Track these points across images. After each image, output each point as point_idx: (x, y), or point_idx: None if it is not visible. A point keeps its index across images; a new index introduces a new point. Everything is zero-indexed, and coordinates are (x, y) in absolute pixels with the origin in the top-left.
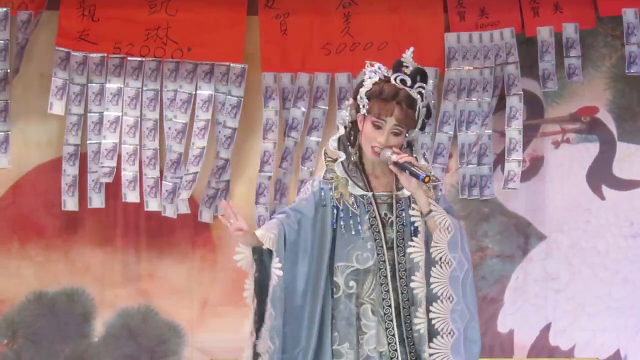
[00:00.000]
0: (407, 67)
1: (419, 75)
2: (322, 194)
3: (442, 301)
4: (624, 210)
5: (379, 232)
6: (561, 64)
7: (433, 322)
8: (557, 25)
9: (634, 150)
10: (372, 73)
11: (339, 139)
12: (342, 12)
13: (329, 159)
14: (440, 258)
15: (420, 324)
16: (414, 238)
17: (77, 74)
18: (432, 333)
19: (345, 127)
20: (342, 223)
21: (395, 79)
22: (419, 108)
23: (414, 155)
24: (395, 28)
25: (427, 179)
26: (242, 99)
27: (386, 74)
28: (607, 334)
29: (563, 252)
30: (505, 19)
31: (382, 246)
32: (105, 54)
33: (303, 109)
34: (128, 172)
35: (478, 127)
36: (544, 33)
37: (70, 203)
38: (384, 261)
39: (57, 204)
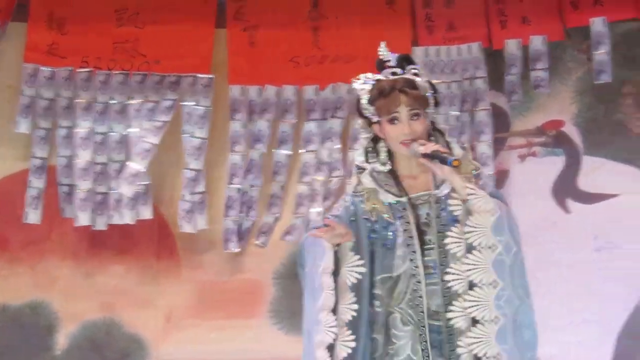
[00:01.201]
0: (389, 60)
1: (404, 61)
2: (352, 208)
3: (481, 288)
4: (589, 224)
5: (411, 237)
6: (528, 77)
7: (469, 310)
8: (525, 38)
9: (599, 164)
10: (362, 84)
11: (366, 151)
12: (310, 25)
13: (360, 170)
14: (480, 243)
15: (455, 318)
16: (452, 228)
17: (45, 88)
18: (471, 324)
19: (367, 148)
20: (376, 235)
21: (385, 76)
22: (421, 85)
23: (447, 139)
24: (364, 41)
25: (455, 162)
26: (210, 109)
27: (376, 78)
28: (572, 347)
29: (528, 265)
30: (473, 33)
31: (414, 251)
32: (73, 68)
33: (270, 122)
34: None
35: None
36: (512, 46)
37: (32, 216)
38: (417, 267)
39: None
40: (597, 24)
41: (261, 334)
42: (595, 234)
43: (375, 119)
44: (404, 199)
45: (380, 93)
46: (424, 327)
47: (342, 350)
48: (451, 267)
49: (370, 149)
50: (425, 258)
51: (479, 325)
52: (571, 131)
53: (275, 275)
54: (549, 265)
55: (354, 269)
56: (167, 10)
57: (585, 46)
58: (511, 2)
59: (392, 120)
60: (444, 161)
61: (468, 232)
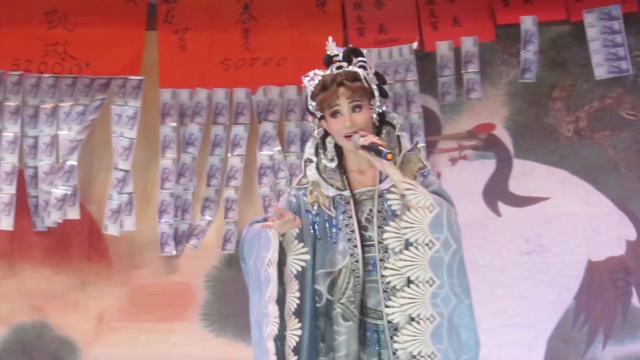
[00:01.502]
0: (336, 55)
1: (352, 54)
2: (295, 201)
3: (417, 285)
4: (519, 227)
5: (353, 231)
6: (460, 81)
7: (405, 307)
8: (456, 39)
9: (529, 167)
10: (311, 81)
11: (316, 146)
12: (241, 28)
13: (307, 163)
14: (417, 239)
15: (392, 314)
16: (390, 223)
17: None
18: (407, 321)
19: (317, 144)
20: (316, 227)
21: (331, 70)
22: (366, 77)
23: (398, 133)
24: (295, 44)
25: (389, 156)
26: (139, 110)
27: (323, 73)
28: (502, 350)
29: None
30: (404, 35)
31: (356, 246)
32: (4, 71)
33: (201, 125)
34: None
35: None
36: (443, 47)
37: None
38: (357, 261)
39: None
40: (527, 22)
41: (192, 337)
42: (526, 237)
43: (319, 114)
44: (346, 193)
45: (322, 88)
46: (362, 323)
47: (292, 339)
48: (389, 262)
49: (320, 144)
50: (366, 255)
51: (414, 323)
52: (502, 134)
53: (207, 278)
54: (480, 268)
55: (298, 257)
56: (97, 12)
57: (516, 50)
58: (442, 3)
59: (333, 114)
60: (379, 153)
61: (405, 228)
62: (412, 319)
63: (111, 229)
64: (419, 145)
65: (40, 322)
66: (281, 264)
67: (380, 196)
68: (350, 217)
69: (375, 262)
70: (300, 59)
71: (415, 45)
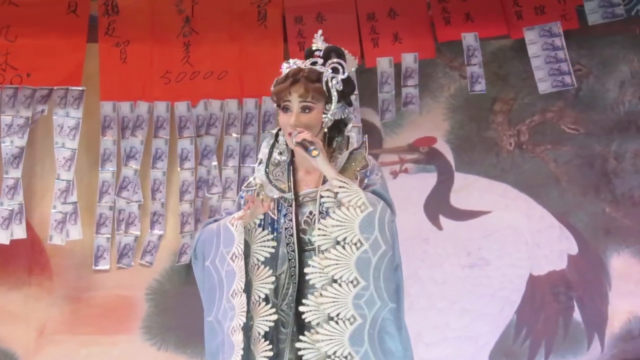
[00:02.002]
0: (319, 50)
1: (333, 53)
2: (242, 203)
3: (340, 285)
4: (461, 240)
5: (292, 235)
6: (400, 94)
7: (324, 307)
8: (397, 55)
9: (471, 180)
10: (287, 69)
11: (273, 144)
12: (182, 41)
13: (260, 163)
14: (345, 239)
15: (308, 312)
16: (322, 221)
17: None
18: (324, 320)
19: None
20: (260, 230)
21: (305, 64)
22: (329, 80)
23: (348, 133)
24: (236, 57)
25: (314, 153)
26: (81, 120)
27: (299, 64)
28: None
29: None
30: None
31: (294, 250)
32: None
33: (142, 138)
34: None
35: None
36: (384, 64)
37: None
38: (295, 267)
39: None
40: (469, 39)
41: (133, 350)
42: (467, 251)
43: (274, 104)
44: (288, 195)
45: (284, 79)
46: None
47: (263, 326)
48: (313, 260)
49: (273, 137)
50: (306, 260)
51: (332, 323)
52: (443, 148)
53: (148, 291)
54: (422, 281)
55: (264, 244)
56: (39, 23)
57: (458, 63)
58: (383, 20)
59: (284, 109)
60: (306, 150)
61: (334, 227)
62: (331, 319)
63: (56, 239)
64: (366, 143)
65: None
66: (245, 255)
67: (322, 197)
68: (291, 220)
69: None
70: (242, 72)
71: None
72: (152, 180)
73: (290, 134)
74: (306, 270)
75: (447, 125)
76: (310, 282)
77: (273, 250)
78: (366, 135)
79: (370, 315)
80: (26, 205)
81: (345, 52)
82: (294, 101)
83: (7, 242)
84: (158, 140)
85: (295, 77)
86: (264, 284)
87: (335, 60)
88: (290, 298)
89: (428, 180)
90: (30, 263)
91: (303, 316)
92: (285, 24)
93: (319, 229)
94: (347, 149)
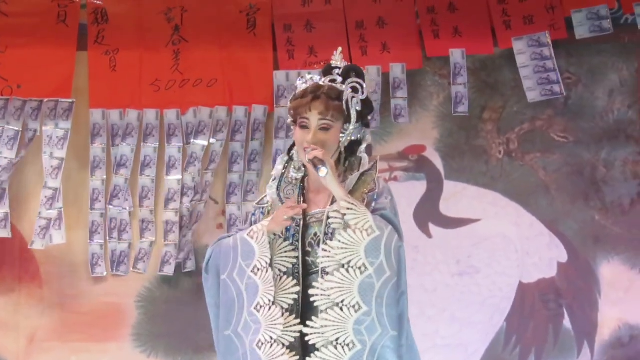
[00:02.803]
0: (338, 68)
1: (353, 72)
2: (254, 220)
3: (341, 309)
4: (451, 248)
5: (297, 257)
6: (388, 102)
7: (324, 330)
8: (385, 65)
9: (460, 188)
10: (303, 84)
11: (288, 156)
12: (171, 49)
13: (273, 180)
14: (349, 262)
15: (311, 335)
16: (327, 242)
17: None
18: (324, 345)
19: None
20: (282, 241)
21: (323, 81)
22: (349, 99)
23: (360, 154)
24: (225, 65)
25: (321, 171)
26: (70, 131)
27: (315, 80)
28: None
29: None
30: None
31: (298, 272)
32: None
33: (132, 146)
34: None
35: None
36: (372, 73)
37: None
38: (297, 292)
39: None
40: (456, 55)
41: (123, 357)
42: (457, 259)
43: (290, 120)
44: (296, 216)
45: (302, 95)
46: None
47: (289, 337)
48: (318, 282)
49: (287, 154)
50: (309, 282)
51: (330, 347)
52: (433, 156)
53: (138, 298)
54: (412, 289)
55: (286, 255)
56: (29, 33)
57: (446, 72)
58: (372, 28)
59: (302, 125)
60: (315, 168)
61: (340, 249)
62: (330, 343)
63: (37, 244)
64: (376, 165)
65: None
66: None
67: (328, 218)
68: (298, 240)
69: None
70: (231, 80)
71: None
72: (140, 188)
73: (305, 149)
74: (310, 291)
75: (437, 133)
76: (315, 305)
77: (295, 261)
78: (378, 157)
79: (370, 341)
80: (16, 213)
81: (364, 72)
82: (313, 118)
83: None
84: (147, 148)
85: (315, 93)
86: (287, 295)
87: (354, 79)
88: (298, 321)
89: (417, 188)
90: (20, 271)
91: (306, 338)
92: (274, 32)
93: (324, 249)
94: (358, 170)
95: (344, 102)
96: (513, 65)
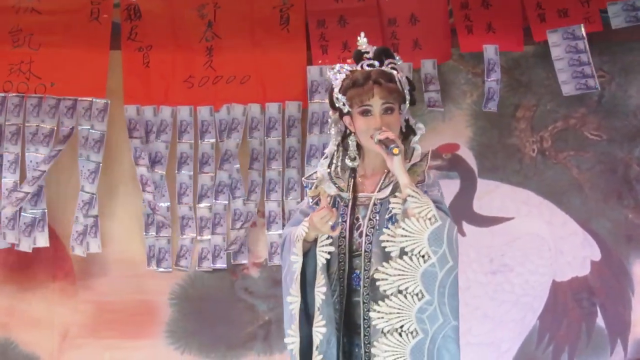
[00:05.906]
0: (367, 52)
1: (384, 54)
2: (305, 193)
3: (405, 296)
4: (484, 247)
5: (344, 237)
6: (421, 101)
7: (389, 317)
8: (417, 62)
9: (493, 187)
10: (337, 74)
11: (337, 146)
12: (204, 46)
13: (325, 158)
14: (413, 250)
15: (377, 319)
16: (389, 226)
17: None
18: (390, 331)
19: (339, 145)
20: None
21: (362, 67)
22: (399, 79)
23: (414, 144)
24: (258, 62)
25: (395, 150)
26: (106, 134)
27: (351, 68)
28: None
29: None
30: None
31: (344, 253)
32: None
33: (166, 142)
34: None
35: None
36: (404, 70)
37: None
38: (344, 270)
39: None
40: (490, 51)
41: (157, 354)
42: (490, 257)
43: (346, 109)
44: (345, 195)
45: (354, 83)
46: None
47: (315, 338)
48: (382, 267)
49: (340, 143)
50: (353, 263)
51: (395, 334)
52: (466, 154)
53: (172, 296)
54: None
55: (323, 249)
56: (62, 31)
57: (480, 69)
58: (404, 25)
59: (364, 113)
60: (387, 148)
61: (402, 236)
62: (395, 330)
63: (77, 250)
64: (428, 157)
65: (5, 339)
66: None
67: (374, 204)
68: (345, 221)
69: (359, 273)
70: (264, 77)
71: None
72: (178, 184)
73: (372, 137)
74: (376, 276)
75: (470, 132)
76: (381, 289)
77: (329, 257)
78: (430, 150)
79: (432, 330)
80: (50, 211)
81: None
82: (376, 104)
83: (29, 250)
84: (182, 145)
85: (369, 79)
86: (318, 292)
87: (391, 60)
88: (337, 300)
89: (451, 186)
90: (53, 269)
91: (373, 322)
92: (307, 28)
93: (387, 234)
94: (410, 160)
95: (397, 84)
96: (546, 63)
